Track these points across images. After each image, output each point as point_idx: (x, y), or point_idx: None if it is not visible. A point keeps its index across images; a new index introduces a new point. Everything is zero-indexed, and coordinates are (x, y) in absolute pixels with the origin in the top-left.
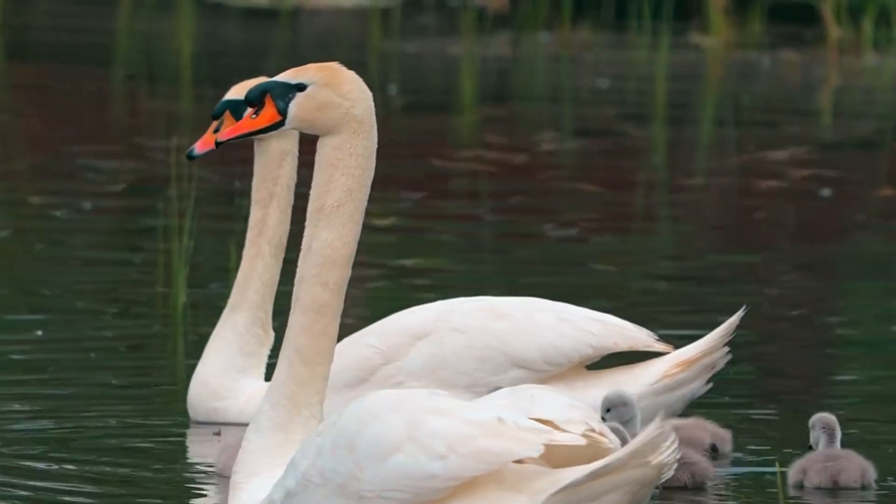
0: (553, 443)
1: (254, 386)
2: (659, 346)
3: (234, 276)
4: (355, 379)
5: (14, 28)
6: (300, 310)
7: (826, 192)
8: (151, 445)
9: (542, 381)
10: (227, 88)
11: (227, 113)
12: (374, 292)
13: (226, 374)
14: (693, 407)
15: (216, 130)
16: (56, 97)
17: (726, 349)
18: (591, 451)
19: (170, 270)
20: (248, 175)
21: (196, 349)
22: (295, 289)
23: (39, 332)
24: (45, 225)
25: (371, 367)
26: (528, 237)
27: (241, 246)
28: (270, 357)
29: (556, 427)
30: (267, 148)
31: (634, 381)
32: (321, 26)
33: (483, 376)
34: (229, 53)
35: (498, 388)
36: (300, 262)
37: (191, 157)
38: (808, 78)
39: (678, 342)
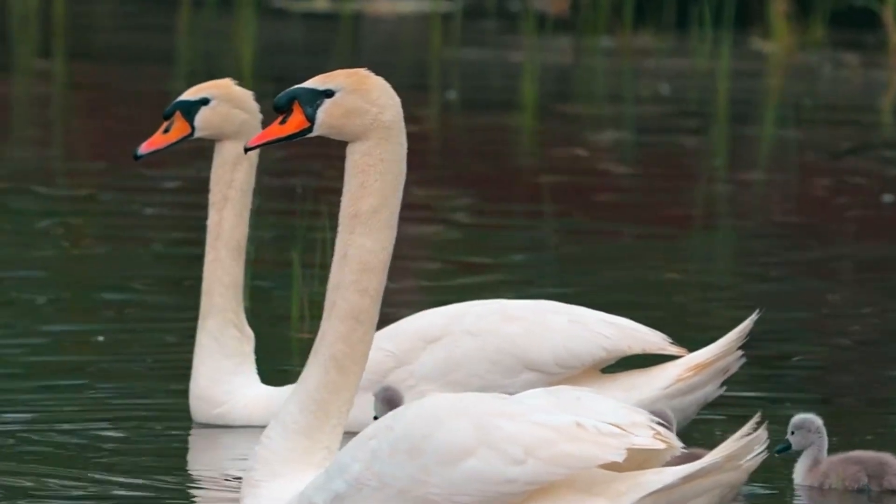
0: (634, 447)
1: (253, 389)
2: (673, 350)
3: (296, 281)
4: (368, 382)
5: (77, 29)
6: (338, 317)
7: (889, 197)
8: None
9: (554, 384)
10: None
11: (178, 114)
12: (440, 289)
13: (215, 382)
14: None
15: (166, 130)
16: (118, 97)
17: (740, 352)
18: (645, 454)
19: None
20: (310, 175)
21: (258, 353)
22: (328, 295)
23: (101, 338)
24: (110, 224)
25: (383, 370)
26: (587, 237)
27: (302, 250)
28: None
29: (626, 431)
30: (222, 150)
31: (648, 385)
32: (382, 31)
33: (495, 379)
34: (289, 57)
35: (508, 391)
36: (334, 269)
37: (136, 158)
38: (870, 82)
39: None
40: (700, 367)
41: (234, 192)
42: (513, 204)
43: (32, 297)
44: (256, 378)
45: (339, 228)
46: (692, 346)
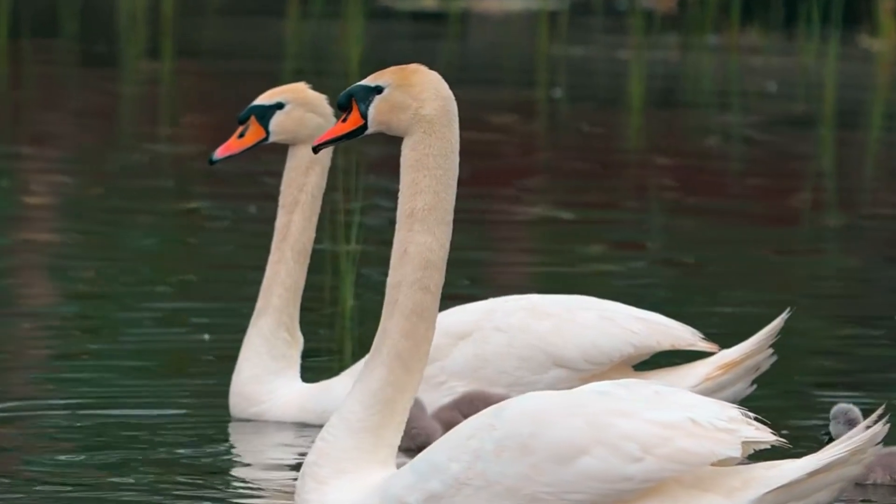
0: (748, 441)
1: (290, 387)
2: (704, 346)
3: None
4: None
5: (185, 27)
6: (401, 314)
7: None
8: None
9: (585, 381)
10: None
11: (253, 118)
12: (550, 279)
13: (258, 381)
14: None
15: (241, 135)
16: (225, 100)
17: (770, 351)
18: None
19: (338, 272)
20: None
21: (364, 350)
22: (388, 293)
23: (207, 336)
24: (212, 226)
25: None
26: (693, 233)
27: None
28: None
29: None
30: (296, 154)
31: (677, 383)
32: (489, 29)
33: (524, 375)
34: (397, 56)
35: (536, 388)
36: (394, 267)
37: (211, 162)
38: None
39: (843, 342)
40: (730, 366)
41: (305, 195)
42: (619, 201)
43: (146, 286)
44: (299, 381)
45: (397, 226)
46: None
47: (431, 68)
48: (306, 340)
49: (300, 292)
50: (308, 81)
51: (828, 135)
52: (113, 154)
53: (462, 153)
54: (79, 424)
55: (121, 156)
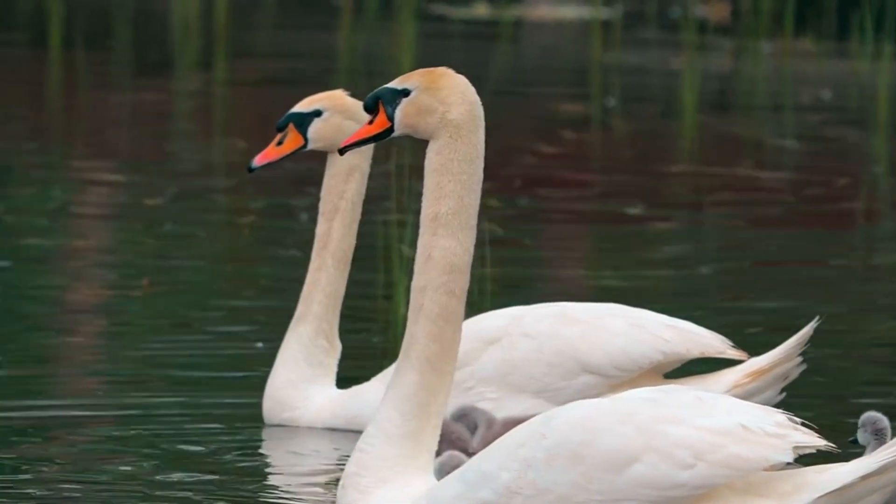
0: (799, 446)
1: (324, 394)
2: (733, 354)
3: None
4: None
5: (238, 33)
6: (428, 319)
7: None
8: None
9: (614, 388)
10: None
11: (291, 126)
12: (603, 286)
13: (293, 386)
14: None
15: (279, 143)
16: (277, 107)
17: (800, 359)
18: None
19: (391, 282)
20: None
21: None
22: (414, 298)
23: (260, 344)
24: (264, 235)
25: None
26: (746, 242)
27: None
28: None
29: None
30: (336, 161)
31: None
32: (542, 38)
33: (553, 382)
34: (449, 64)
35: (565, 395)
36: (418, 271)
37: (250, 170)
38: None
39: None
40: (758, 374)
41: (345, 202)
42: (673, 210)
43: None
44: (334, 388)
45: (421, 230)
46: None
47: (483, 76)
48: (359, 347)
49: (340, 299)
50: (360, 88)
51: (882, 142)
52: (166, 162)
53: (512, 161)
54: (126, 428)
55: (174, 163)
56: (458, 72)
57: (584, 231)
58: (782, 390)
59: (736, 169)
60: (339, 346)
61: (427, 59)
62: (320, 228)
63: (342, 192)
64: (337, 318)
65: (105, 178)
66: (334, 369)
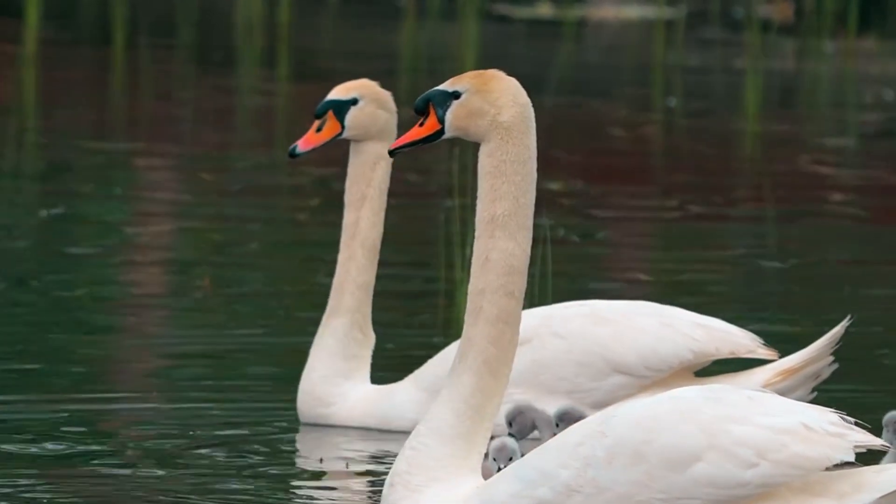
0: (859, 445)
1: (360, 389)
2: (763, 353)
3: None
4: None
5: (301, 36)
6: (487, 321)
7: None
8: None
9: (645, 388)
10: None
11: (330, 113)
12: (661, 289)
13: (329, 381)
14: None
15: (318, 129)
16: None
17: (831, 358)
18: None
19: (452, 282)
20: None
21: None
22: (472, 300)
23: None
24: (326, 237)
25: None
26: (811, 243)
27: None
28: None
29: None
30: (362, 150)
31: None
32: (605, 37)
33: (584, 382)
34: (512, 64)
35: (596, 395)
36: (476, 273)
37: (293, 155)
38: None
39: None
40: (789, 373)
41: (373, 191)
42: (736, 209)
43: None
44: (368, 381)
45: (477, 233)
46: None
47: (546, 76)
48: (420, 346)
49: (371, 289)
50: (421, 88)
51: None
52: (230, 160)
53: (574, 160)
54: (169, 426)
55: (237, 161)
56: (520, 72)
57: (646, 229)
58: (813, 389)
59: (798, 168)
60: (373, 337)
61: (490, 59)
62: (348, 218)
63: (369, 180)
64: (369, 308)
65: (166, 176)
66: (369, 361)
